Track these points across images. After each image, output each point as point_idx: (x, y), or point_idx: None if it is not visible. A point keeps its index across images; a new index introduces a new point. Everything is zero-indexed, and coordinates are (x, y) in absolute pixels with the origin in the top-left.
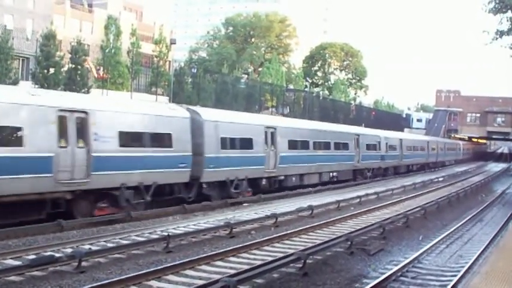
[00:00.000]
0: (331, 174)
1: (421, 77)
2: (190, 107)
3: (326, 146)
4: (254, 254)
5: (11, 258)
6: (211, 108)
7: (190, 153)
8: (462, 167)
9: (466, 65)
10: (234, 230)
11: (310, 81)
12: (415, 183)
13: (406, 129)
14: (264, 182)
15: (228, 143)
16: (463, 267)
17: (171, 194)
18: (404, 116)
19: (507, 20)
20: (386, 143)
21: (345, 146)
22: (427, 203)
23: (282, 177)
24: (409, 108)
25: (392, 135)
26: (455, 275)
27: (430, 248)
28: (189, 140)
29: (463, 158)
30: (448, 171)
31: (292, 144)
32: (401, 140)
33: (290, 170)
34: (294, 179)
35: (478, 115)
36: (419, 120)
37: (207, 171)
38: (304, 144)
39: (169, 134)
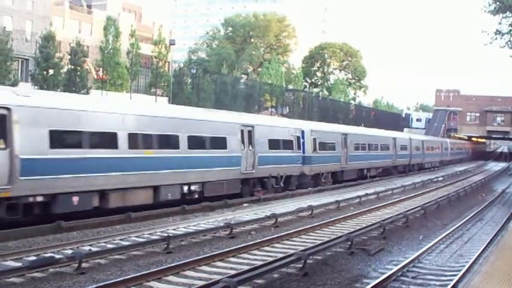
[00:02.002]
0: (185, 187)
1: (421, 76)
2: None
3: (168, 142)
4: (254, 255)
5: (11, 260)
6: None
7: None
8: (462, 167)
9: (466, 64)
10: (234, 230)
11: (309, 81)
12: (414, 183)
13: (405, 129)
14: None
15: None
16: (463, 266)
17: None
18: (403, 115)
19: (508, 23)
20: (315, 140)
21: (219, 144)
22: (427, 203)
23: (40, 199)
24: (408, 108)
25: (329, 128)
26: (455, 275)
27: (430, 247)
28: None
29: (452, 159)
30: (447, 170)
31: (64, 140)
32: (345, 135)
33: (59, 185)
34: (76, 200)
35: (478, 114)
36: (418, 120)
37: None
38: (103, 140)
39: None
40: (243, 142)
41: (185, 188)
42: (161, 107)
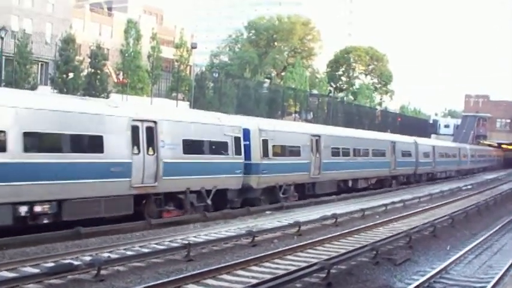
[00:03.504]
0: (23, 208)
1: (449, 81)
2: None
3: None
4: (276, 263)
5: (30, 266)
6: None
7: None
8: (491, 175)
9: (496, 69)
10: (256, 238)
11: (334, 86)
12: (442, 190)
13: (433, 136)
14: None
15: None
16: (492, 278)
17: None
18: (431, 121)
19: None
20: (265, 142)
21: (89, 145)
22: (455, 212)
23: None
24: (436, 114)
25: (289, 126)
26: (484, 287)
27: (458, 258)
28: None
29: (473, 168)
30: (477, 178)
31: None
32: (317, 137)
33: None
34: None
35: (508, 121)
36: (446, 126)
37: None
38: None
39: None
40: (136, 144)
41: (22, 209)
42: None
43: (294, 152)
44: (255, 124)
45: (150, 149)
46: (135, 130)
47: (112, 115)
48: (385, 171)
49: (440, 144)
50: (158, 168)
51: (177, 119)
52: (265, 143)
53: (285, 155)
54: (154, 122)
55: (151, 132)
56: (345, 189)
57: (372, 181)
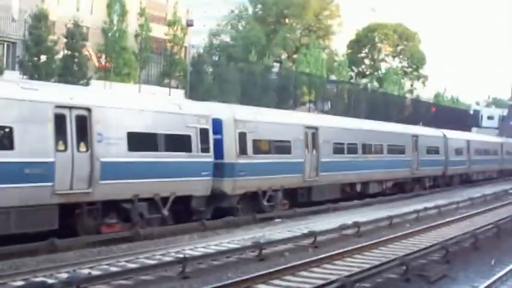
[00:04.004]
0: None
1: (494, 65)
2: None
3: None
4: (288, 281)
5: None
6: None
7: None
8: None
9: None
10: (263, 251)
11: (356, 70)
12: (484, 194)
13: (474, 129)
14: None
15: None
16: None
17: None
18: (471, 112)
19: None
20: (243, 135)
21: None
22: (501, 220)
23: None
24: (477, 103)
25: (276, 116)
26: None
27: (505, 274)
28: None
29: None
30: None
31: None
32: (314, 130)
33: None
34: None
35: None
36: (490, 118)
37: None
38: None
39: None
40: (63, 138)
41: None
42: None
43: (283, 148)
44: (229, 113)
45: (82, 144)
46: (60, 120)
47: (26, 100)
48: (405, 172)
49: (476, 139)
50: (93, 170)
51: (121, 105)
52: (242, 136)
53: (270, 152)
54: (88, 110)
55: (83, 123)
56: (353, 194)
57: (387, 184)
